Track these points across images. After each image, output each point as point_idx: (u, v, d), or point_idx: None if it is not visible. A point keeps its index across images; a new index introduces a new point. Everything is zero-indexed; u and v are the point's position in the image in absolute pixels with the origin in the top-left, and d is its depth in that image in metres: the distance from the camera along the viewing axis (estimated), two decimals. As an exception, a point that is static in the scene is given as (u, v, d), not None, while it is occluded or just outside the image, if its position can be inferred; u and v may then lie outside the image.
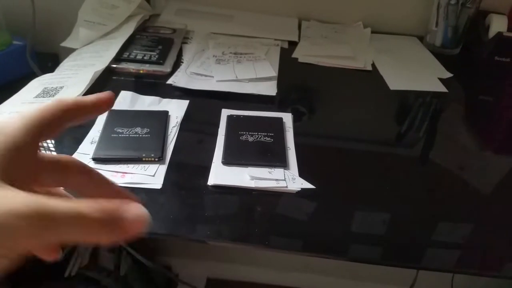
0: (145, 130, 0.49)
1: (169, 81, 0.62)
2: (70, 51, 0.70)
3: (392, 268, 1.05)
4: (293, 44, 0.78)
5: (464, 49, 0.81)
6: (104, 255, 0.99)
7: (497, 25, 0.76)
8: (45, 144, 0.49)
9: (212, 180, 0.45)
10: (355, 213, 0.44)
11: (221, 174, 0.46)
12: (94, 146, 0.47)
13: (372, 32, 0.83)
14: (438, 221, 0.44)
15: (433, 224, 0.43)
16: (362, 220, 0.43)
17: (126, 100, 0.57)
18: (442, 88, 0.68)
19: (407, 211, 0.45)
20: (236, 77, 0.64)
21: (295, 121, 0.56)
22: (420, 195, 0.47)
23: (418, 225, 0.43)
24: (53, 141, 0.49)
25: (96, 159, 0.45)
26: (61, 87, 0.57)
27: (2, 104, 0.54)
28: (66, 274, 0.90)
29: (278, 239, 0.40)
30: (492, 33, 0.76)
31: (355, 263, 0.41)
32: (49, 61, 0.80)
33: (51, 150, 0.48)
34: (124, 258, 1.01)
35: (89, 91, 0.58)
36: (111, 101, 0.25)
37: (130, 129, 0.49)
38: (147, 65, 0.65)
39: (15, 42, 0.73)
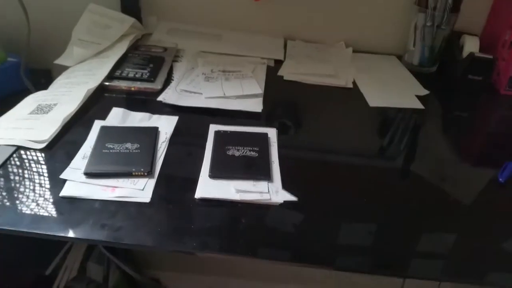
0: (135, 146, 0.52)
1: (160, 98, 0.65)
2: (63, 67, 0.72)
3: (379, 277, 1.07)
4: (279, 63, 0.81)
5: (440, 68, 0.85)
6: (92, 268, 0.99)
7: (469, 45, 0.80)
8: (36, 158, 0.51)
9: (199, 193, 0.47)
10: (336, 224, 0.46)
11: (207, 187, 0.48)
12: (86, 161, 0.49)
13: (354, 51, 0.88)
14: (420, 231, 0.46)
15: (416, 234, 0.46)
16: (344, 231, 0.45)
17: (117, 117, 0.59)
18: (419, 105, 0.71)
19: (389, 222, 0.47)
20: (224, 94, 0.67)
21: (279, 136, 0.59)
22: (402, 206, 0.50)
23: (400, 235, 0.45)
24: (44, 155, 0.51)
25: (87, 174, 0.48)
26: (55, 104, 0.60)
27: (-2, 120, 0.56)
28: (55, 287, 0.90)
29: (262, 250, 0.42)
30: (465, 53, 0.80)
31: (342, 272, 0.43)
32: (42, 77, 0.82)
33: (38, 165, 0.50)
34: (112, 271, 1.01)
35: (82, 108, 0.60)
36: None
37: (120, 145, 0.52)
38: (139, 82, 0.68)
39: (9, 59, 0.75)
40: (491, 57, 0.77)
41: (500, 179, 0.54)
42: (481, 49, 0.80)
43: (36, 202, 0.45)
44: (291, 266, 0.43)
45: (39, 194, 0.46)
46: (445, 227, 0.47)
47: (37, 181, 0.47)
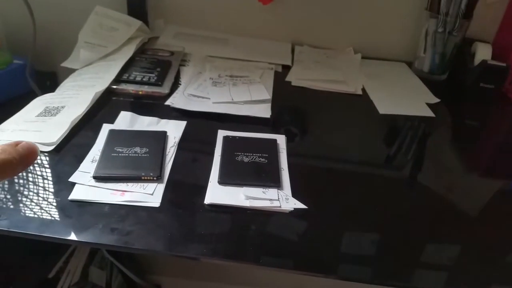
0: (144, 150, 0.51)
1: (167, 102, 0.65)
2: (68, 70, 0.72)
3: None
4: (286, 68, 0.80)
5: (451, 75, 0.85)
6: (95, 272, 0.99)
7: (482, 53, 0.79)
8: (44, 160, 0.50)
9: (208, 199, 0.46)
10: (345, 233, 0.45)
11: (217, 193, 0.47)
12: (95, 164, 0.49)
13: (363, 57, 0.87)
14: (426, 242, 0.45)
15: (421, 244, 0.45)
16: (353, 240, 0.45)
17: (125, 120, 0.58)
18: (430, 113, 0.70)
19: (396, 232, 0.46)
20: (232, 99, 0.66)
21: (288, 142, 0.58)
22: (409, 216, 0.49)
23: (406, 245, 0.45)
24: (52, 158, 0.51)
25: (96, 178, 0.47)
26: (63, 107, 0.59)
27: (5, 122, 0.55)
28: (57, 292, 0.89)
29: (270, 258, 0.42)
30: (477, 60, 0.79)
31: (347, 282, 0.43)
32: (47, 79, 0.82)
33: (46, 168, 0.49)
34: (114, 276, 1.01)
35: (90, 111, 0.60)
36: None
37: (129, 149, 0.51)
38: (146, 86, 0.67)
39: (15, 61, 0.75)
40: (504, 65, 0.76)
41: (514, 189, 0.53)
42: (493, 57, 0.79)
43: (45, 205, 0.44)
44: (296, 274, 0.42)
45: (48, 197, 0.45)
46: (451, 238, 0.47)
47: (45, 184, 0.47)
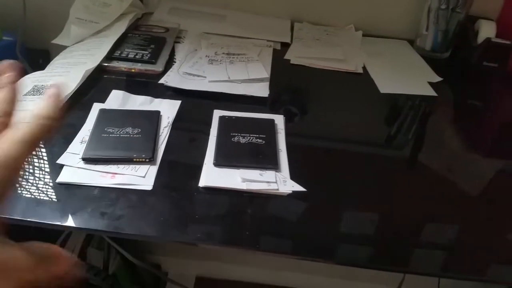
0: (136, 130, 0.49)
1: (161, 81, 0.62)
2: (61, 48, 0.69)
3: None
4: (285, 46, 0.78)
5: (454, 54, 0.82)
6: (93, 254, 0.98)
7: (485, 30, 0.77)
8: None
9: (203, 181, 0.45)
10: (345, 215, 0.44)
11: (212, 176, 0.46)
12: (84, 146, 0.47)
13: (363, 35, 0.84)
14: (425, 223, 0.45)
15: (421, 226, 0.44)
16: (352, 223, 0.44)
17: (117, 100, 0.56)
18: (432, 92, 0.68)
19: (395, 213, 0.46)
20: (229, 77, 0.64)
21: (287, 122, 0.56)
22: (409, 197, 0.48)
23: (406, 227, 0.44)
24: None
25: (86, 159, 0.45)
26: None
27: (-9, 102, 0.53)
28: (54, 273, 0.89)
29: (268, 242, 0.41)
30: (480, 38, 0.77)
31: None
32: (40, 57, 0.79)
33: (41, 147, 0.47)
34: (112, 257, 1.00)
35: (80, 89, 0.57)
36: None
37: (121, 129, 0.49)
38: (139, 64, 0.65)
39: (5, 38, 0.72)
40: (508, 42, 0.74)
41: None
42: (497, 35, 0.76)
43: (32, 188, 0.42)
44: (294, 259, 0.41)
45: (35, 180, 0.43)
46: (451, 219, 0.46)
47: (32, 166, 0.45)
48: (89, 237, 0.98)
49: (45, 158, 0.46)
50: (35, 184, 0.43)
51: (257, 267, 1.24)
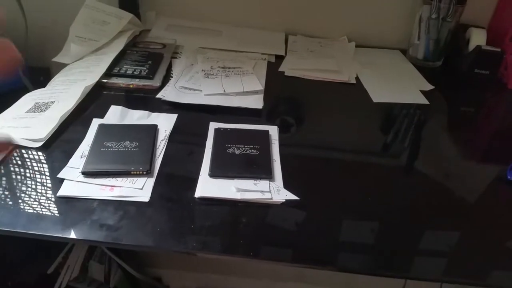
0: (134, 144, 0.51)
1: (159, 95, 0.64)
2: (62, 65, 0.71)
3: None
4: (280, 58, 0.80)
5: (446, 62, 0.84)
6: (94, 267, 0.99)
7: (476, 38, 0.78)
8: (33, 157, 0.50)
9: (199, 192, 0.46)
10: (339, 223, 0.45)
11: (208, 186, 0.47)
12: (84, 160, 0.48)
13: (357, 46, 0.86)
14: (424, 229, 0.45)
15: (419, 232, 0.45)
16: (347, 230, 0.44)
17: (115, 115, 0.58)
18: (424, 100, 0.70)
19: (393, 220, 0.46)
20: (224, 91, 0.65)
21: (281, 133, 0.58)
22: (406, 204, 0.49)
23: (404, 233, 0.44)
24: (41, 154, 0.50)
25: (85, 173, 0.47)
26: (52, 102, 0.59)
27: (-6, 120, 0.55)
28: (56, 287, 0.90)
29: (263, 250, 0.41)
30: (472, 46, 0.78)
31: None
32: (41, 75, 0.81)
33: (34, 164, 0.49)
34: (114, 270, 1.01)
35: (80, 106, 0.59)
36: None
37: (119, 143, 0.51)
38: (137, 79, 0.67)
39: (7, 57, 0.74)
40: (499, 50, 0.75)
41: (509, 177, 0.53)
42: (488, 43, 0.78)
43: (33, 202, 0.44)
44: (290, 266, 0.42)
45: (36, 194, 0.45)
46: (449, 225, 0.46)
47: (34, 180, 0.47)
48: (91, 250, 0.99)
49: (47, 173, 0.48)
50: (36, 198, 0.44)
51: (257, 279, 1.24)
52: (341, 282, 1.23)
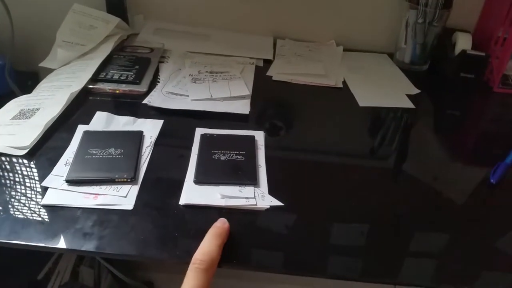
0: (118, 151, 0.51)
1: (145, 101, 0.64)
2: (49, 70, 0.71)
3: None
4: (268, 62, 0.80)
5: (432, 66, 0.84)
6: (85, 272, 0.98)
7: (462, 42, 0.79)
8: (17, 165, 0.49)
9: (183, 199, 0.46)
10: (325, 228, 0.45)
11: (192, 193, 0.47)
12: (68, 167, 0.48)
13: (344, 50, 0.86)
14: (413, 233, 0.45)
15: (408, 236, 0.45)
16: (334, 236, 0.44)
17: (101, 121, 0.58)
18: (410, 104, 0.70)
19: (381, 224, 0.46)
20: (211, 96, 0.65)
21: (267, 138, 0.58)
22: (393, 208, 0.49)
23: (392, 238, 0.45)
24: (25, 162, 0.50)
25: (69, 181, 0.46)
26: (38, 109, 0.58)
27: (-22, 127, 0.55)
28: (46, 293, 0.89)
29: (247, 257, 0.41)
30: (457, 50, 0.79)
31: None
32: (29, 80, 0.81)
33: (18, 172, 0.49)
34: (104, 275, 1.00)
35: (66, 112, 0.59)
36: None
37: (103, 150, 0.51)
38: (124, 85, 0.67)
39: (-7, 61, 0.74)
40: (483, 54, 0.76)
41: (492, 180, 0.54)
42: (474, 47, 0.79)
43: (17, 211, 0.43)
44: (275, 273, 0.42)
45: (20, 202, 0.44)
46: (437, 228, 0.47)
47: (18, 189, 0.46)
48: (81, 256, 0.99)
49: (31, 181, 0.47)
50: (20, 207, 0.44)
51: (250, 281, 1.24)
52: (336, 283, 1.23)
